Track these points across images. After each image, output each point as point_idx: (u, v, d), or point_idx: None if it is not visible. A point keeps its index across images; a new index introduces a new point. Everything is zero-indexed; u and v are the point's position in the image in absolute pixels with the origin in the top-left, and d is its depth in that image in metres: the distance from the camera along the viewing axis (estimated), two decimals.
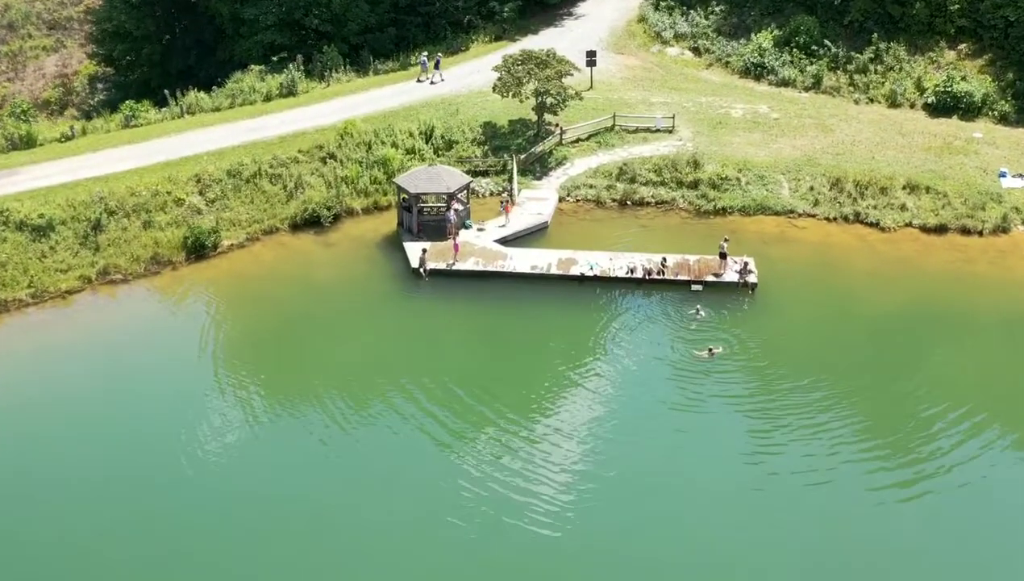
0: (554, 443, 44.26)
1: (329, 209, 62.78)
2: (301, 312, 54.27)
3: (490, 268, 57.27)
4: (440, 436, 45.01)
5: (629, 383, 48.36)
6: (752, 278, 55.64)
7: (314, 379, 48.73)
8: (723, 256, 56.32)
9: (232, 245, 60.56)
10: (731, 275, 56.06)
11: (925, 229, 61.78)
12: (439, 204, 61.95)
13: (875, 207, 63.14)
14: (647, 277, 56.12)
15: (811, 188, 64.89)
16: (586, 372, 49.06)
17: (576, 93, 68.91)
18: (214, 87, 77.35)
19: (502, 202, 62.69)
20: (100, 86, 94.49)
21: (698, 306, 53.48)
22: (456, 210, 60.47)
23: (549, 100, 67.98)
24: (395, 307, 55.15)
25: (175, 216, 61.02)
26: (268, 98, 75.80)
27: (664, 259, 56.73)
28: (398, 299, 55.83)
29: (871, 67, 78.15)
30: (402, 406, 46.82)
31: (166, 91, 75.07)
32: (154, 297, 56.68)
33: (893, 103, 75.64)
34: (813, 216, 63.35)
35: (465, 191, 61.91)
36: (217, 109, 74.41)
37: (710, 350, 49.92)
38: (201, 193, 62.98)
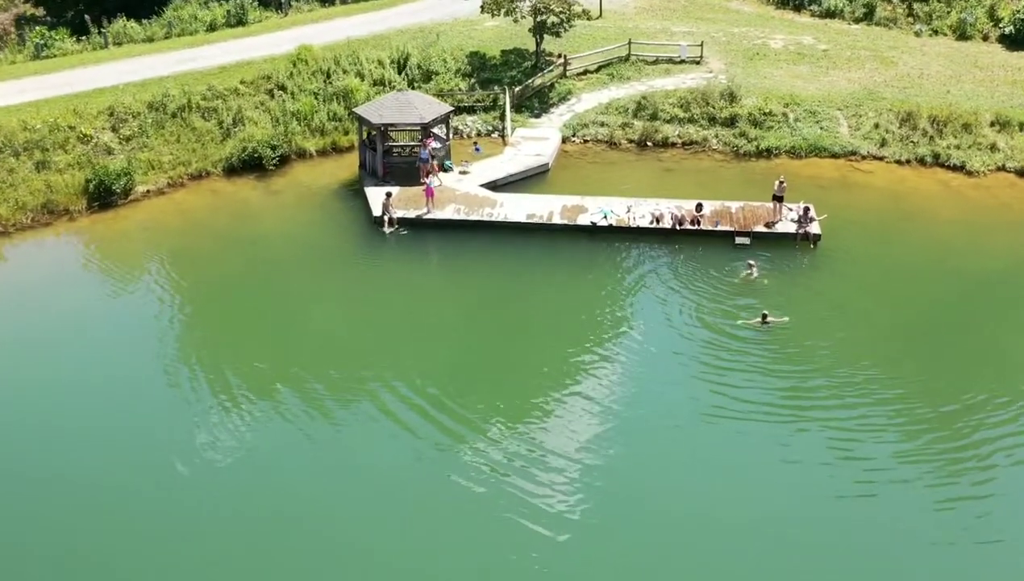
0: (544, 459, 31.33)
1: (274, 149, 49.95)
2: (231, 275, 41.56)
3: (474, 217, 44.49)
4: (406, 437, 32.26)
5: (651, 369, 35.39)
6: (815, 228, 42.91)
7: (247, 361, 35.94)
8: (778, 200, 43.58)
9: (149, 191, 47.77)
10: (786, 225, 43.39)
11: (1023, 173, 49.05)
12: (413, 143, 49.26)
13: (958, 147, 50.51)
14: (678, 227, 43.43)
15: (876, 125, 52.16)
16: (596, 353, 36.12)
17: (584, 11, 56.15)
18: (153, 17, 64.55)
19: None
20: (31, 29, 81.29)
21: (750, 262, 40.75)
22: (433, 148, 47.72)
23: (550, 19, 55.18)
24: (353, 268, 42.19)
25: (78, 156, 48.23)
26: (212, 28, 63.15)
27: (700, 205, 44.01)
28: (357, 258, 42.90)
29: None
30: (360, 399, 34.19)
31: (87, 16, 62.17)
32: (41, 254, 43.88)
33: (962, 35, 62.96)
34: (880, 158, 50.70)
35: (444, 124, 49.12)
36: (150, 40, 61.63)
37: (764, 316, 37.20)
38: (114, 129, 50.19)
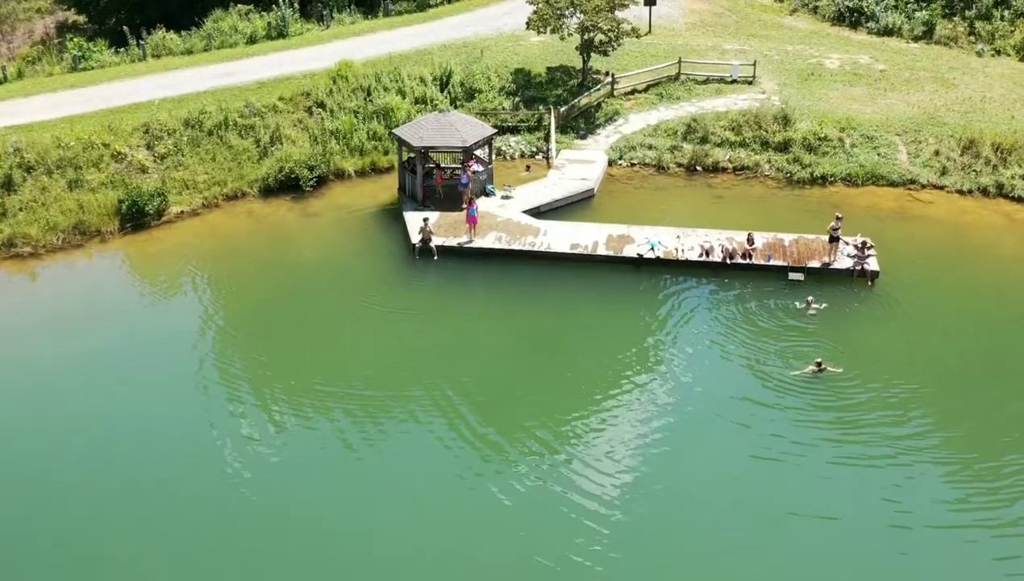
0: (584, 487, 29.96)
1: (312, 169, 48.63)
2: (267, 302, 40.22)
3: (517, 246, 42.90)
4: (443, 459, 30.90)
5: (695, 411, 33.72)
6: (872, 264, 40.91)
7: (283, 390, 34.86)
8: (834, 240, 41.48)
9: (183, 212, 46.61)
10: (842, 261, 41.39)
11: None
12: (453, 165, 47.77)
13: (1023, 177, 48.22)
14: (728, 261, 41.58)
15: (936, 152, 50.01)
16: (637, 393, 34.54)
17: (633, 29, 54.38)
18: (192, 28, 63.42)
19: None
20: (71, 38, 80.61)
21: (809, 298, 38.83)
22: (474, 171, 46.20)
23: (598, 37, 53.45)
24: (392, 297, 40.53)
25: (111, 174, 47.17)
26: (252, 40, 61.90)
27: (751, 238, 42.15)
28: (396, 286, 41.36)
29: (996, 13, 63.17)
30: (396, 425, 32.82)
31: (125, 28, 61.18)
32: (73, 277, 42.79)
33: None
34: (941, 188, 48.53)
35: (486, 147, 47.55)
36: (189, 52, 60.51)
37: (819, 364, 35.20)
38: (148, 147, 49.11)
